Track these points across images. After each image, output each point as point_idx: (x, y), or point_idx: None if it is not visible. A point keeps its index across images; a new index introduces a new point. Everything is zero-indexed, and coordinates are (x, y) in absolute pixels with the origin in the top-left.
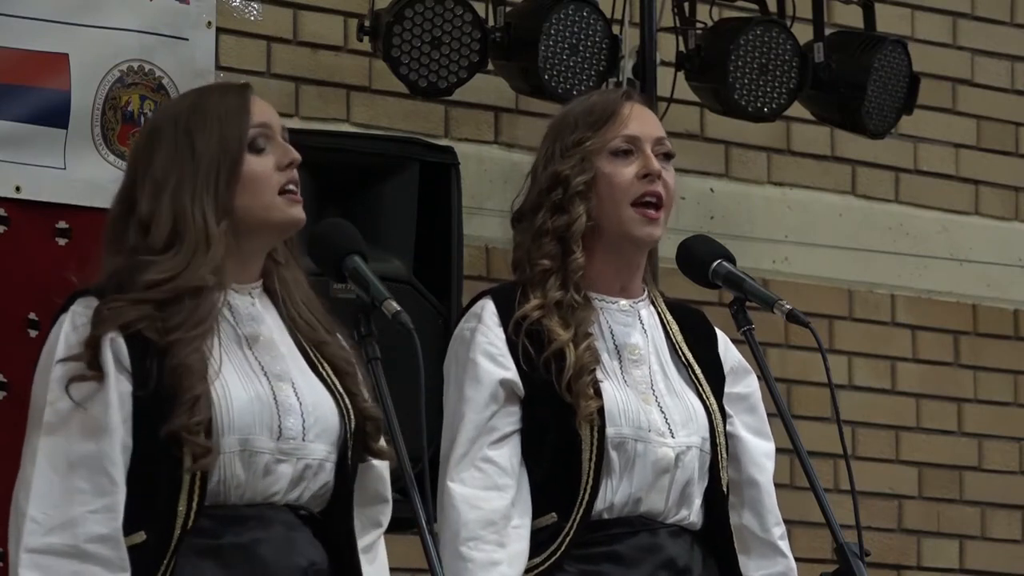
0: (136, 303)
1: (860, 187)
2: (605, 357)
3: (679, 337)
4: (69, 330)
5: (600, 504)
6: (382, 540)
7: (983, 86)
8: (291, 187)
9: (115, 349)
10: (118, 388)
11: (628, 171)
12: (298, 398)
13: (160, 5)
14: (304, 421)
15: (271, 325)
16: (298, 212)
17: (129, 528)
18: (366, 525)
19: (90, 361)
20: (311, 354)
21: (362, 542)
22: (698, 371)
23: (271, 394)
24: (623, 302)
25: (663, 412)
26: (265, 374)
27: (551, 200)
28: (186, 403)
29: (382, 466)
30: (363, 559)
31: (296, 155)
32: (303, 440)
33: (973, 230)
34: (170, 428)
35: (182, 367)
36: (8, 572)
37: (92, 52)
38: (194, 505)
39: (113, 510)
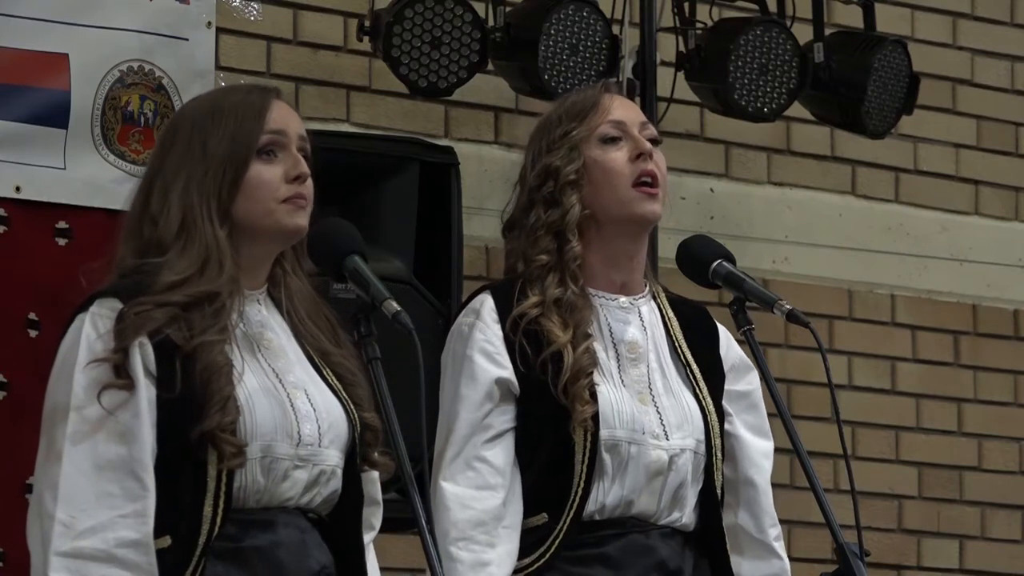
0: (161, 305)
1: (860, 187)
2: (603, 355)
3: (679, 335)
4: (91, 333)
5: (591, 506)
6: (372, 543)
7: (983, 86)
8: (296, 200)
9: (143, 355)
10: (147, 394)
11: (620, 155)
12: (312, 405)
13: (160, 5)
14: (320, 427)
15: (279, 332)
16: (300, 219)
17: (154, 533)
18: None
19: (118, 368)
20: (318, 363)
21: None
22: (696, 371)
23: (288, 401)
24: (623, 299)
25: (659, 413)
26: (280, 381)
27: (543, 195)
28: (217, 403)
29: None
30: None
31: (305, 169)
32: (319, 446)
33: (973, 230)
34: (203, 428)
35: (211, 368)
36: (7, 573)
37: (92, 52)
38: (220, 509)
39: (144, 515)
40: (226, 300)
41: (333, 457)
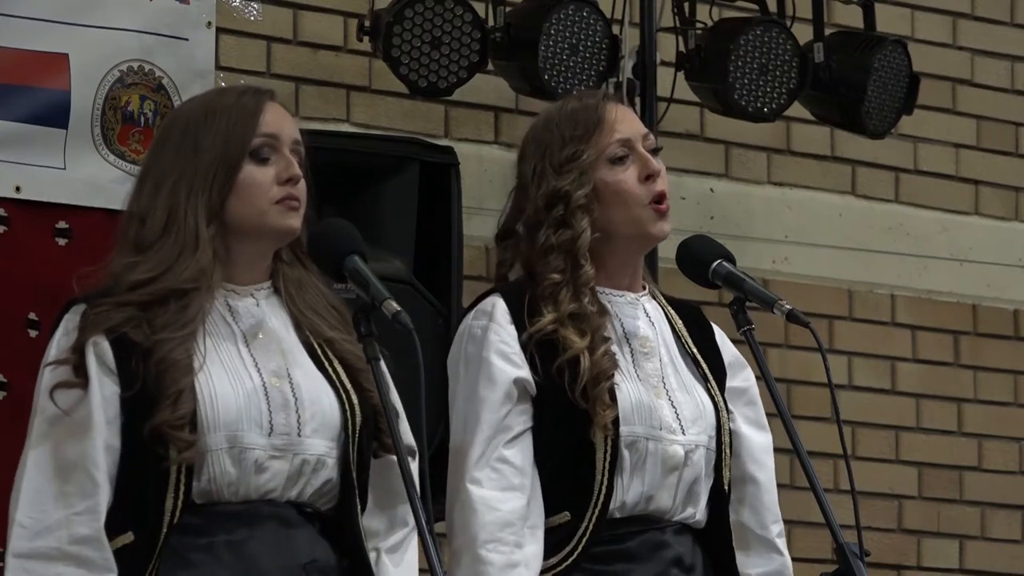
0: (120, 305)
1: (860, 187)
2: (617, 352)
3: (684, 331)
4: (61, 337)
5: (613, 503)
6: (412, 539)
7: (983, 86)
8: (288, 201)
9: (99, 352)
10: (102, 391)
11: (630, 175)
12: (294, 394)
13: (160, 5)
14: (299, 416)
15: (276, 324)
16: (293, 220)
17: (117, 529)
18: (393, 524)
19: (75, 367)
20: (318, 351)
21: (388, 542)
22: (704, 366)
23: (262, 390)
24: (629, 295)
25: (674, 407)
26: (259, 370)
27: (553, 217)
28: (169, 398)
29: None
30: (389, 559)
31: (297, 171)
32: (298, 436)
33: (973, 230)
34: (153, 424)
35: (165, 363)
36: None
37: (92, 52)
38: (180, 502)
39: (95, 511)
40: (195, 297)
41: (318, 447)
